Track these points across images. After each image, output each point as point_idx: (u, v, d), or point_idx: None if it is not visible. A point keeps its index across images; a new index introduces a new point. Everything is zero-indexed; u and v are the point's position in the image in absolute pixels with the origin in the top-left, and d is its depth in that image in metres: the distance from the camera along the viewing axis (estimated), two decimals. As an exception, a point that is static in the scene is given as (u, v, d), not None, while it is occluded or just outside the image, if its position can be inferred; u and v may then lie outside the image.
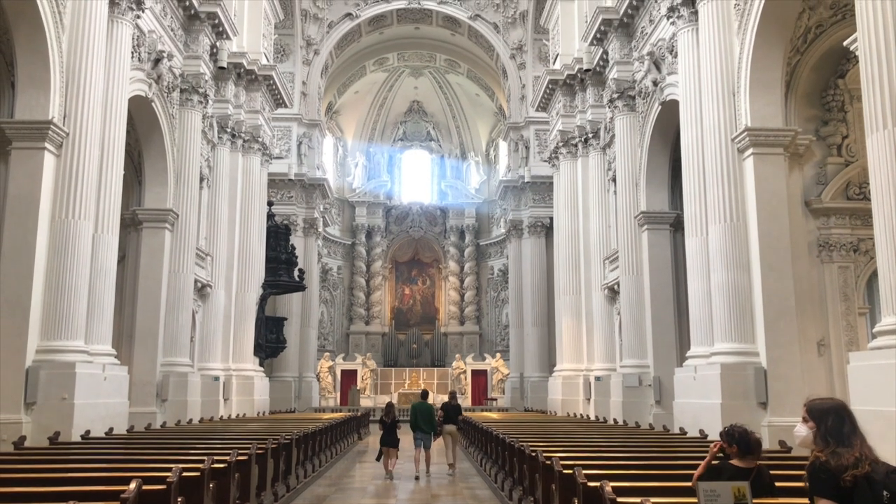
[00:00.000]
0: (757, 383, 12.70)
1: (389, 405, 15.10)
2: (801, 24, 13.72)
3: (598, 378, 21.40)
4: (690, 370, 14.41)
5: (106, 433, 12.51)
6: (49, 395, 12.34)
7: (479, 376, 38.45)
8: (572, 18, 24.53)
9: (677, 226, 18.14)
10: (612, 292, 21.29)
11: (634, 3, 18.94)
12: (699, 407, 13.54)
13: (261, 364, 25.61)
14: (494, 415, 24.88)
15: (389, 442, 13.95)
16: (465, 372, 38.52)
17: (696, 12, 14.84)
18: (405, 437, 15.23)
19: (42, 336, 12.73)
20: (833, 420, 3.36)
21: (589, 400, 22.02)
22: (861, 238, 13.90)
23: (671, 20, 15.89)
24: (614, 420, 18.31)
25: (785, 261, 13.08)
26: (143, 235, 18.26)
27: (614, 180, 20.88)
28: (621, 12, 19.54)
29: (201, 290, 20.92)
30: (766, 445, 10.55)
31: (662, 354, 17.92)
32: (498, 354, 38.63)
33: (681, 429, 13.58)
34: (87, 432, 11.89)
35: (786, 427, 12.07)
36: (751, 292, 13.21)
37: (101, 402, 13.47)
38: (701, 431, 12.04)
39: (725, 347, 13.24)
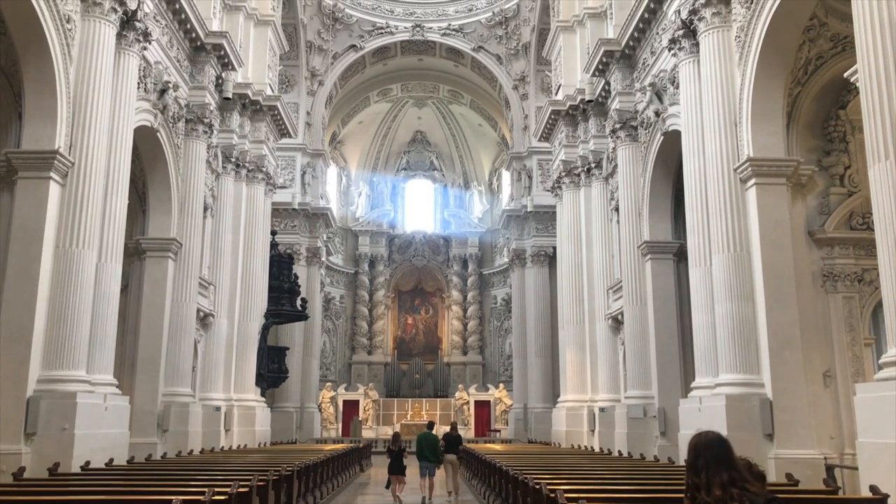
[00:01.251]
0: (763, 415, 12.57)
1: (396, 435, 16.38)
2: (801, 56, 13.83)
3: (602, 409, 21.22)
4: (695, 401, 14.28)
5: (106, 464, 12.39)
6: (49, 425, 12.26)
7: (483, 407, 38.17)
8: (574, 50, 24.75)
9: (681, 255, 18.11)
10: (616, 322, 21.20)
11: (636, 35, 19.13)
12: (704, 439, 13.36)
13: (262, 394, 25.45)
14: (498, 446, 24.64)
15: (397, 469, 14.79)
16: (468, 403, 38.23)
17: (697, 44, 14.98)
18: (411, 465, 15.81)
19: (44, 365, 12.68)
20: (689, 456, 3.30)
21: (593, 431, 21.82)
22: (865, 268, 13.85)
23: (672, 52, 16.03)
24: (619, 452, 18.11)
25: (789, 291, 13.02)
26: (147, 264, 18.29)
27: (617, 210, 20.90)
28: (623, 44, 19.74)
29: (204, 320, 20.88)
30: (772, 478, 10.42)
31: (667, 385, 17.78)
32: (501, 385, 38.38)
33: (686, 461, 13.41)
34: (87, 463, 11.79)
35: (793, 459, 11.95)
36: (755, 323, 13.14)
37: (101, 432, 13.37)
38: (707, 464, 11.87)
39: (730, 378, 13.13)
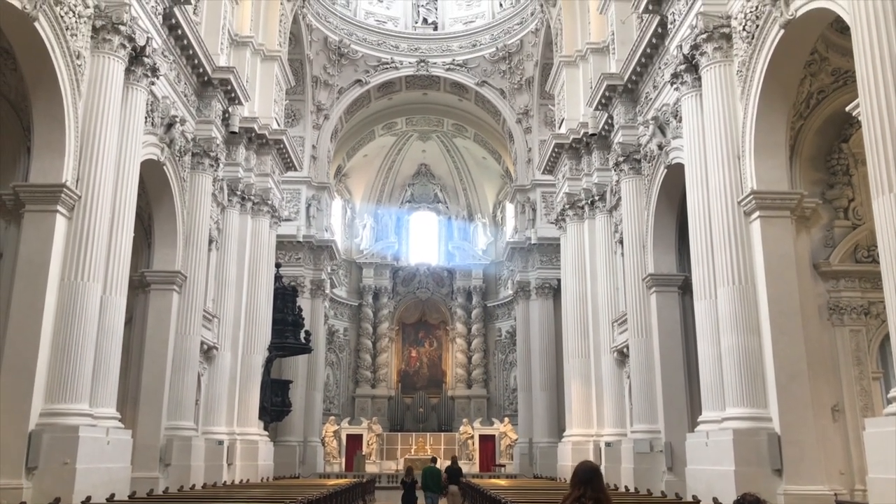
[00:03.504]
0: (771, 449, 12.41)
1: (409, 468, 19.10)
2: (803, 90, 13.94)
3: (608, 444, 21.00)
4: (702, 435, 14.12)
5: (107, 499, 12.24)
6: (51, 459, 12.17)
7: (487, 441, 37.79)
8: (577, 84, 24.98)
9: (685, 288, 18.06)
10: (622, 355, 21.07)
11: (638, 69, 19.31)
12: (712, 474, 13.21)
13: (265, 428, 25.26)
14: (503, 482, 24.36)
15: (409, 500, 16.95)
16: (472, 437, 37.88)
17: (699, 78, 15.10)
18: (419, 497, 17.48)
19: (46, 399, 12.64)
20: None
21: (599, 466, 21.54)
22: (872, 301, 13.77)
23: (675, 86, 16.16)
24: (626, 487, 17.88)
25: (795, 324, 12.95)
26: (151, 297, 18.29)
27: (621, 242, 20.91)
28: (625, 78, 19.92)
29: (207, 353, 20.82)
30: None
31: (673, 419, 17.60)
32: (506, 419, 38.04)
33: (694, 496, 13.22)
34: (88, 498, 11.65)
35: (802, 496, 11.79)
36: (761, 356, 13.04)
37: (103, 466, 13.27)
38: (714, 500, 11.72)
39: (737, 412, 12.99)
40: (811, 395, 12.70)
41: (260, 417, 24.19)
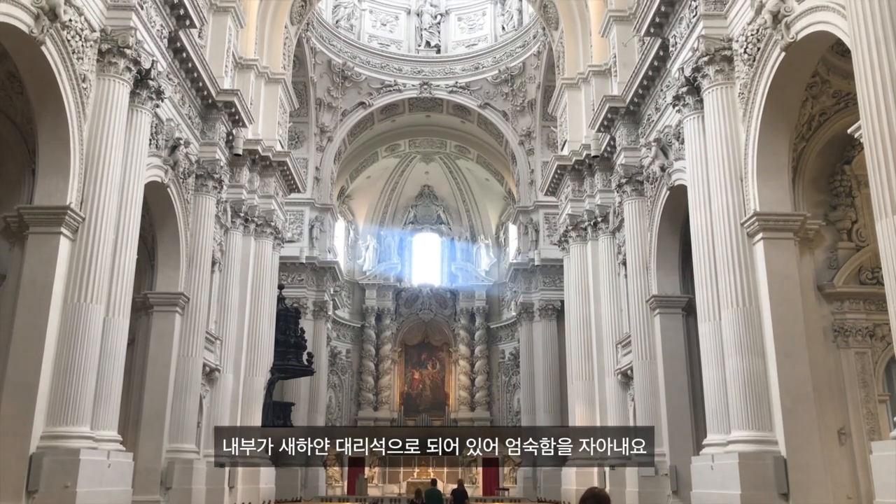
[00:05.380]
0: (777, 473, 12.28)
1: (418, 491, 20.96)
2: (805, 112, 13.98)
3: (612, 467, 20.81)
4: (708, 459, 14.00)
5: (107, 523, 12.18)
6: (51, 483, 12.09)
7: (491, 465, 37.47)
8: (579, 106, 25.08)
9: (689, 310, 17.99)
10: (626, 378, 20.95)
11: (640, 91, 19.40)
12: (718, 498, 13.08)
13: (267, 450, 25.09)
14: (506, 505, 24.13)
15: None
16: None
17: (701, 100, 15.15)
18: None
19: (48, 421, 12.58)
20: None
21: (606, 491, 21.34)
22: (877, 323, 13.70)
23: (677, 108, 16.22)
24: (630, 511, 17.69)
25: (800, 346, 12.87)
26: (154, 319, 18.25)
27: (624, 264, 20.88)
28: (627, 101, 20.01)
29: (209, 375, 20.74)
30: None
31: (678, 442, 17.45)
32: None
33: (700, 521, 13.11)
34: (88, 522, 11.58)
35: (810, 520, 11.65)
36: (766, 378, 12.95)
37: (103, 490, 13.17)
38: (721, 524, 11.60)
39: (743, 435, 12.88)
40: (817, 418, 12.59)
41: (262, 440, 24.02)
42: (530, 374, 33.71)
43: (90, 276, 13.43)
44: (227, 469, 20.60)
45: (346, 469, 36.90)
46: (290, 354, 27.13)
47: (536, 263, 33.82)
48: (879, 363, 13.85)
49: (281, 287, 27.62)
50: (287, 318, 27.46)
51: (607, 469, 21.15)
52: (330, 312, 35.80)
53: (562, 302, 29.18)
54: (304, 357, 28.06)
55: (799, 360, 12.76)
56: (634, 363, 19.49)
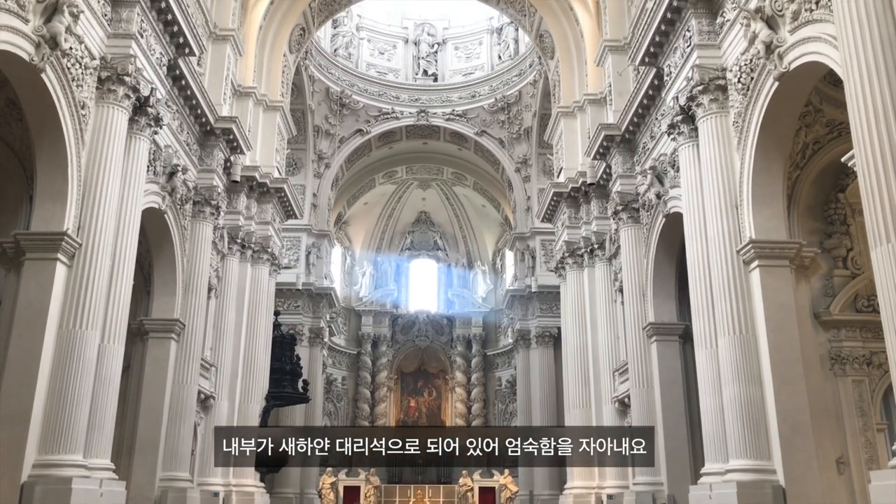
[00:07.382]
0: (776, 503, 12.19)
1: None
2: (798, 141, 14.09)
3: (610, 496, 20.62)
4: (706, 488, 13.88)
5: (98, 553, 12.01)
6: (42, 512, 11.94)
7: (487, 494, 37.09)
8: (575, 134, 25.24)
9: (686, 337, 17.96)
10: (623, 405, 20.84)
11: (635, 120, 19.56)
12: (717, 528, 12.97)
13: (262, 479, 24.82)
14: (503, 534, 23.86)
15: None
16: (472, 489, 37.20)
17: (695, 129, 15.28)
18: None
19: (40, 449, 12.45)
20: None
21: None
22: (874, 351, 13.68)
23: (672, 136, 16.35)
24: (628, 541, 17.52)
25: (797, 374, 12.84)
26: (149, 346, 18.16)
27: (621, 291, 20.89)
28: (623, 129, 20.16)
29: (204, 402, 20.59)
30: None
31: (676, 471, 17.32)
32: (506, 471, 37.38)
33: (698, 552, 12.97)
34: (79, 552, 11.43)
35: (809, 551, 11.52)
36: (764, 406, 12.89)
37: (95, 519, 13.01)
38: (720, 555, 11.49)
39: (740, 464, 12.80)
40: (815, 447, 12.52)
41: (256, 469, 23.76)
42: (527, 402, 33.53)
43: (86, 302, 13.39)
44: (221, 498, 20.39)
45: (341, 498, 36.53)
46: (286, 382, 26.87)
47: (533, 290, 33.82)
48: (877, 391, 13.81)
49: (277, 313, 27.48)
50: (283, 345, 27.24)
51: (605, 498, 21.00)
52: (326, 339, 35.66)
53: (559, 329, 29.11)
54: (300, 384, 27.76)
55: (796, 388, 12.72)
56: (631, 391, 19.41)
